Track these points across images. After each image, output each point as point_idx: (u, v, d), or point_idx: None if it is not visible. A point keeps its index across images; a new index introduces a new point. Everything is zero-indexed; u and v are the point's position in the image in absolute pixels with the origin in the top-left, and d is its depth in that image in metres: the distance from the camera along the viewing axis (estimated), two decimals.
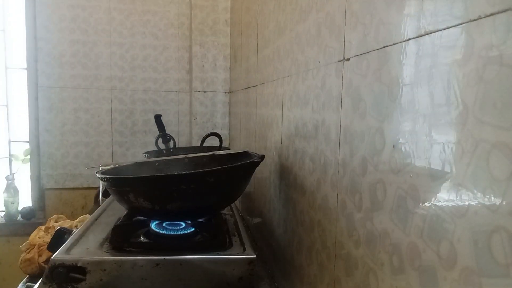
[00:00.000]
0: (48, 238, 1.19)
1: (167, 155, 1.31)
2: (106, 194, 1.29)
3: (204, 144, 1.08)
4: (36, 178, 1.92)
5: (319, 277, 0.65)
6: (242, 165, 0.79)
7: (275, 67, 0.97)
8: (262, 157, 0.80)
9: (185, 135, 2.02)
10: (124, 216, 0.88)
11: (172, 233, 0.80)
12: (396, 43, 0.43)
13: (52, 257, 0.70)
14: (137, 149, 1.98)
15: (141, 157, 1.64)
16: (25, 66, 1.88)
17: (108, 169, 0.87)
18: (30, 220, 1.89)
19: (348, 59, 0.55)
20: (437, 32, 0.36)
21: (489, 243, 0.29)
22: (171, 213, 0.77)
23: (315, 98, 0.68)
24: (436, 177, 0.35)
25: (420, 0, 0.39)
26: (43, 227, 1.29)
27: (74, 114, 1.90)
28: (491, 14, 0.29)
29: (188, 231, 0.81)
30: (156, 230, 0.81)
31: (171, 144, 1.42)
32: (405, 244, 0.40)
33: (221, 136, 1.08)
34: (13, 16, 1.93)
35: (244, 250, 0.75)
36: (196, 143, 1.83)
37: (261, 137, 1.12)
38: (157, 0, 1.95)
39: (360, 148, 0.51)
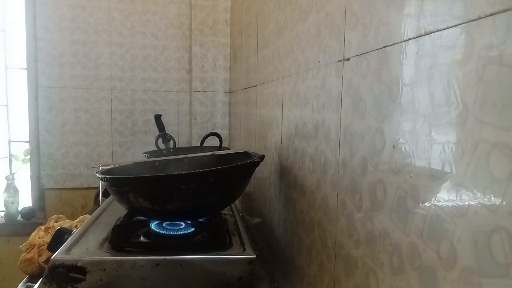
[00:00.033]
0: (48, 238, 1.19)
1: (167, 155, 1.31)
2: (106, 194, 1.29)
3: (204, 144, 1.08)
4: (36, 178, 1.92)
5: (319, 277, 0.65)
6: (242, 165, 0.79)
7: (275, 67, 0.97)
8: (262, 157, 0.80)
9: (185, 135, 2.02)
10: (124, 216, 0.88)
11: (172, 233, 0.80)
12: (396, 43, 0.43)
13: (52, 257, 0.70)
14: (137, 149, 1.98)
15: (141, 157, 1.64)
16: (25, 66, 1.88)
17: (108, 169, 0.87)
18: (30, 220, 1.89)
19: (348, 59, 0.55)
20: (437, 32, 0.36)
21: (489, 243, 0.29)
22: (171, 213, 0.77)
23: (315, 98, 0.68)
24: (436, 177, 0.35)
25: (420, 0, 0.39)
26: (43, 227, 1.29)
27: (74, 114, 1.90)
28: (491, 14, 0.29)
29: (188, 231, 0.81)
30: (156, 230, 0.81)
31: (171, 144, 1.42)
32: (405, 244, 0.40)
33: (221, 136, 1.08)
34: (13, 16, 1.93)
35: (244, 250, 0.75)
36: (196, 143, 1.83)
37: (261, 137, 1.12)
38: (157, 0, 1.95)
39: (360, 148, 0.51)
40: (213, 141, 1.18)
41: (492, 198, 0.29)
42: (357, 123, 0.52)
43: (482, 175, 0.30)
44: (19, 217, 1.91)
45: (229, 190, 0.81)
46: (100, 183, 1.41)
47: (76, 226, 1.22)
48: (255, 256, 0.73)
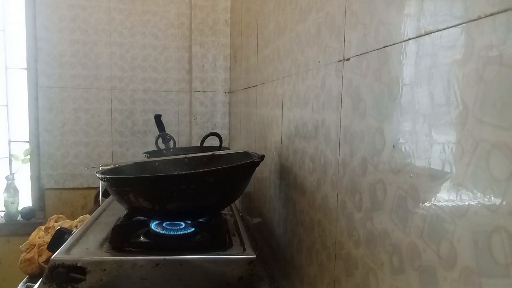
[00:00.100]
0: (48, 238, 1.19)
1: (167, 155, 1.31)
2: (106, 194, 1.29)
3: (204, 144, 1.08)
4: (36, 178, 1.92)
5: (319, 277, 0.65)
6: (242, 165, 0.79)
7: (275, 67, 0.97)
8: (262, 157, 0.80)
9: (185, 135, 2.02)
10: (124, 216, 0.88)
11: (172, 233, 0.80)
12: (396, 43, 0.43)
13: (52, 257, 0.70)
14: (137, 149, 1.98)
15: (141, 157, 1.64)
16: (25, 66, 1.88)
17: (108, 169, 0.87)
18: (30, 220, 1.89)
19: (348, 59, 0.55)
20: (437, 32, 0.36)
21: (489, 243, 0.29)
22: (171, 213, 0.77)
23: (315, 98, 0.68)
24: (436, 177, 0.35)
25: (420, 0, 0.39)
26: (43, 227, 1.29)
27: (74, 114, 1.90)
28: (491, 14, 0.29)
29: (188, 231, 0.81)
30: (156, 230, 0.81)
31: (171, 144, 1.42)
32: (405, 244, 0.40)
33: (221, 136, 1.07)
34: (13, 16, 1.93)
35: (244, 250, 0.75)
36: (196, 143, 1.83)
37: (261, 137, 1.12)
38: (157, 0, 1.95)
39: (360, 148, 0.51)
40: (213, 141, 1.18)
41: (492, 198, 0.29)
42: (357, 123, 0.52)
43: (482, 175, 0.30)
44: (19, 217, 1.91)
45: (229, 190, 0.81)
46: (100, 183, 1.41)
47: (76, 226, 1.22)
48: (255, 256, 0.73)
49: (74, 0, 1.86)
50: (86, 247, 0.75)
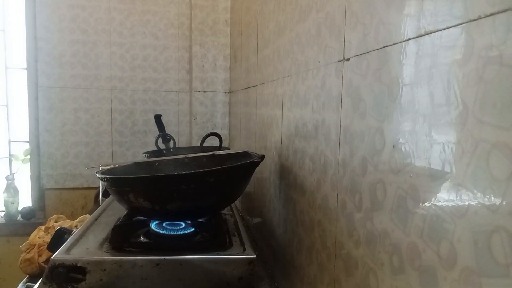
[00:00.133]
0: (48, 238, 1.19)
1: (167, 155, 1.31)
2: (106, 194, 1.29)
3: (204, 144, 1.08)
4: (36, 178, 1.92)
5: (319, 277, 0.65)
6: (242, 165, 0.79)
7: (275, 67, 0.97)
8: (262, 157, 0.80)
9: (185, 135, 2.02)
10: (124, 216, 0.88)
11: (172, 233, 0.80)
12: (396, 43, 0.43)
13: (52, 257, 0.70)
14: (137, 149, 1.98)
15: (141, 157, 1.64)
16: (25, 66, 1.88)
17: (108, 169, 0.87)
18: (30, 220, 1.89)
19: (348, 59, 0.55)
20: (437, 32, 0.36)
21: (489, 243, 0.29)
22: (171, 213, 0.77)
23: (315, 98, 0.68)
24: (436, 177, 0.35)
25: (420, 0, 0.39)
26: (43, 227, 1.29)
27: (74, 114, 1.90)
28: (491, 14, 0.29)
29: (188, 231, 0.81)
30: (156, 230, 0.81)
31: (171, 144, 1.42)
32: (405, 244, 0.40)
33: (221, 136, 1.08)
34: (13, 16, 1.93)
35: (244, 250, 0.75)
36: (196, 143, 1.83)
37: (261, 137, 1.12)
38: (157, 0, 1.95)
39: (360, 148, 0.51)
40: (213, 141, 1.18)
41: (492, 198, 0.29)
42: (357, 123, 0.52)
43: (482, 175, 0.30)
44: (19, 217, 1.91)
45: (229, 190, 0.81)
46: (100, 183, 1.41)
47: (76, 226, 1.22)
48: (255, 256, 0.73)
49: (74, 0, 1.86)
50: (86, 247, 0.75)
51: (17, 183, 1.90)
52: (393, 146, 0.43)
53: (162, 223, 0.83)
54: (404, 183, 0.40)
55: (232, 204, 1.00)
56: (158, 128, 1.46)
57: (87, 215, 1.28)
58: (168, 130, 1.50)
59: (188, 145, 1.94)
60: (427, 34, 0.37)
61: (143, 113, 1.98)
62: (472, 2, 0.31)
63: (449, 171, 0.33)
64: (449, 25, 0.34)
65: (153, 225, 0.82)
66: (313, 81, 0.69)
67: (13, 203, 1.89)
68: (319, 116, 0.66)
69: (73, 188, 1.94)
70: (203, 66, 1.89)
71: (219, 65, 1.89)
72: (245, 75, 1.44)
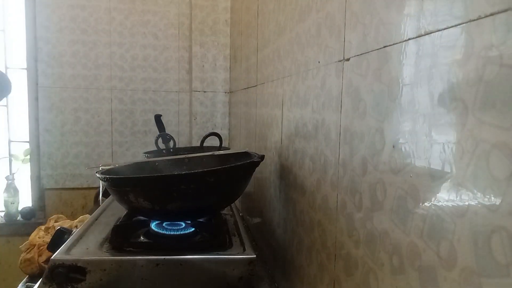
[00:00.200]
0: (48, 238, 1.19)
1: (167, 155, 1.31)
2: (106, 194, 1.29)
3: (204, 144, 1.08)
4: (36, 178, 1.92)
5: (319, 277, 0.65)
6: (242, 165, 0.79)
7: (275, 67, 0.97)
8: (262, 157, 0.80)
9: (185, 135, 2.02)
10: (124, 216, 0.88)
11: (172, 233, 0.80)
12: (396, 43, 0.43)
13: (52, 257, 0.70)
14: (137, 149, 1.98)
15: (141, 157, 1.64)
16: (25, 66, 1.88)
17: (108, 169, 0.87)
18: (30, 220, 1.89)
19: (348, 59, 0.55)
20: (437, 32, 0.36)
21: (489, 243, 0.29)
22: (171, 213, 0.77)
23: (315, 98, 0.68)
24: (436, 177, 0.35)
25: (420, 0, 0.39)
26: (43, 227, 1.29)
27: (74, 114, 1.90)
28: (491, 14, 0.29)
29: (188, 231, 0.81)
30: (156, 230, 0.81)
31: (171, 144, 1.42)
32: (405, 244, 0.40)
33: (221, 136, 1.08)
34: (13, 16, 1.93)
35: (244, 250, 0.75)
36: (196, 143, 1.83)
37: (261, 137, 1.12)
38: (157, 0, 1.95)
39: (360, 148, 0.51)
40: (213, 141, 1.18)
41: (492, 198, 0.29)
42: (357, 123, 0.52)
43: (482, 175, 0.30)
44: (19, 217, 1.91)
45: (229, 190, 0.81)
46: (100, 183, 1.41)
47: (76, 226, 1.22)
48: (255, 256, 0.73)
49: (74, 0, 1.86)
50: (86, 247, 0.75)
51: (17, 183, 1.90)
52: (393, 146, 0.43)
53: (162, 223, 0.83)
54: (404, 183, 0.40)
55: (232, 204, 1.00)
56: (158, 128, 1.46)
57: (87, 215, 1.28)
58: (168, 130, 1.50)
59: (188, 145, 1.94)
60: (427, 34, 0.37)
61: (143, 113, 1.98)
62: (472, 2, 0.31)
63: (449, 171, 0.33)
64: (449, 25, 0.34)
65: (153, 225, 0.82)
66: (313, 81, 0.69)
67: (13, 203, 1.89)
68: (319, 116, 0.66)
69: (73, 188, 1.94)
70: (203, 66, 1.89)
71: (219, 65, 1.89)
72: (245, 75, 1.44)
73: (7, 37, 1.96)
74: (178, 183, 0.72)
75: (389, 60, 0.44)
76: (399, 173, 0.41)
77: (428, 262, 0.36)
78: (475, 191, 0.30)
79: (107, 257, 0.71)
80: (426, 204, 0.37)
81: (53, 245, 0.88)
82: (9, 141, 1.97)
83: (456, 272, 0.32)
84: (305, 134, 0.73)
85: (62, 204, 1.93)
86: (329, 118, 0.61)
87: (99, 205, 1.14)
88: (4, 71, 1.88)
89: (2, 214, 1.92)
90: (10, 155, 1.96)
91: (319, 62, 0.66)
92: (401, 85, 0.42)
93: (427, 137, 0.37)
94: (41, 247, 1.19)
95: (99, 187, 1.48)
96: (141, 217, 0.85)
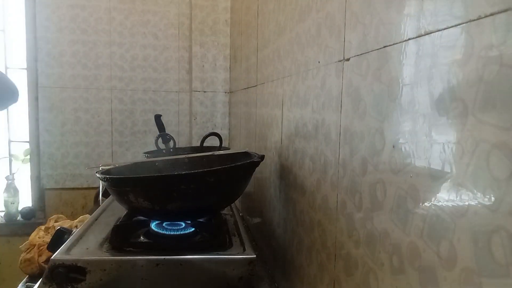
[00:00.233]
0: (48, 238, 1.19)
1: (167, 155, 1.31)
2: (106, 194, 1.29)
3: (204, 144, 1.08)
4: (36, 178, 1.92)
5: (319, 277, 0.65)
6: (242, 165, 0.79)
7: (275, 67, 0.97)
8: (262, 157, 0.80)
9: (185, 135, 2.02)
10: (124, 216, 0.88)
11: (172, 233, 0.80)
12: (396, 43, 0.43)
13: (52, 257, 0.70)
14: (137, 149, 1.98)
15: (141, 157, 1.64)
16: (25, 66, 1.88)
17: (108, 169, 0.87)
18: (30, 220, 1.89)
19: (348, 59, 0.55)
20: (437, 32, 0.36)
21: (489, 243, 0.29)
22: (171, 213, 0.77)
23: (315, 98, 0.68)
24: (436, 177, 0.35)
25: (420, 0, 0.39)
26: (43, 227, 1.29)
27: (74, 114, 1.90)
28: (491, 14, 0.29)
29: (188, 231, 0.81)
30: (156, 230, 0.81)
31: (171, 144, 1.42)
32: (405, 244, 0.40)
33: (221, 136, 1.08)
34: (13, 16, 1.93)
35: (244, 250, 0.75)
36: (196, 143, 1.83)
37: (261, 137, 1.12)
38: (157, 0, 1.95)
39: (360, 148, 0.51)
40: (213, 141, 1.18)
41: (492, 198, 0.29)
42: (357, 123, 0.52)
43: (482, 175, 0.30)
44: (19, 217, 1.91)
45: (229, 190, 0.81)
46: (100, 183, 1.41)
47: (76, 226, 1.22)
48: (255, 256, 0.73)
49: (74, 0, 1.86)
50: (86, 247, 0.75)
51: (17, 183, 1.90)
52: (393, 146, 0.43)
53: (162, 223, 0.83)
54: (404, 183, 0.40)
55: (232, 204, 1.00)
56: (158, 128, 1.46)
57: (87, 215, 1.28)
58: (168, 130, 1.50)
59: (188, 145, 1.94)
60: (427, 34, 0.37)
61: (143, 113, 1.98)
62: (472, 2, 0.31)
63: (449, 171, 0.33)
64: (449, 25, 0.34)
65: (153, 225, 0.82)
66: (313, 81, 0.69)
67: (13, 203, 1.89)
68: (319, 116, 0.66)
69: (73, 188, 1.94)
70: (203, 66, 1.89)
71: (219, 65, 1.89)
72: (245, 75, 1.44)
73: (7, 37, 1.96)
74: (178, 183, 0.72)
75: (389, 60, 0.44)
76: (399, 173, 0.41)
77: (428, 262, 0.36)
78: (475, 191, 0.30)
79: (107, 257, 0.71)
80: (426, 204, 0.37)
81: (53, 245, 0.88)
82: (9, 141, 1.97)
83: (456, 272, 0.32)
84: (305, 134, 0.73)
85: (62, 204, 1.93)
86: (329, 118, 0.61)
87: (99, 205, 1.14)
88: (4, 71, 1.88)
89: (2, 214, 1.92)
90: (10, 155, 1.96)
91: (319, 62, 0.66)
92: (401, 85, 0.42)
93: (427, 137, 0.37)
94: (41, 247, 1.19)
95: (99, 187, 1.48)
96: (141, 217, 0.85)
